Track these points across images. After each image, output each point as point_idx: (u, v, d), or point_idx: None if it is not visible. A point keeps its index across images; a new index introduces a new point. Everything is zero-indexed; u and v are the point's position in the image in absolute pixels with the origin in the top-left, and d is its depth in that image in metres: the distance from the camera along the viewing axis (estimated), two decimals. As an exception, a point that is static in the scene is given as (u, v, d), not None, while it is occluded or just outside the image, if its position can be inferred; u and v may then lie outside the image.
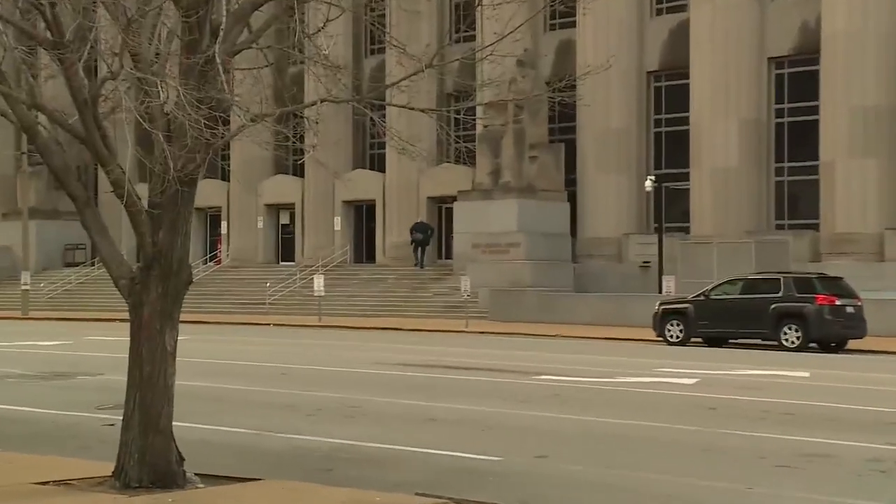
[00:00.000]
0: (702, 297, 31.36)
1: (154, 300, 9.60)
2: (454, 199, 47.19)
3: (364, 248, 53.85)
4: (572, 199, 46.65)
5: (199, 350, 25.58)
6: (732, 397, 17.89)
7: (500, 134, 45.55)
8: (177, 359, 9.81)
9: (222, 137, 9.28)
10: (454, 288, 43.49)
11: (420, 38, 40.76)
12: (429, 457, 12.20)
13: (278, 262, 55.42)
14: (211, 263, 56.23)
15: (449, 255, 49.26)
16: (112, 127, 10.45)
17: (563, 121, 47.04)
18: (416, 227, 48.95)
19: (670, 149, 46.70)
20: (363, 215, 53.83)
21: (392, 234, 51.10)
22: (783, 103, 44.22)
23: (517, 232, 44.62)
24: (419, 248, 48.81)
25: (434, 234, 49.63)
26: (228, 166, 52.80)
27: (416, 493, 9.92)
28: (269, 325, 41.54)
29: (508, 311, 41.64)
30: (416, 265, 48.65)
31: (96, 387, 18.88)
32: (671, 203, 44.99)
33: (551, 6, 13.87)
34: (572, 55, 46.25)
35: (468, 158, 46.01)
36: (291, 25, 10.19)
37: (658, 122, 47.25)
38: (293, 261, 54.11)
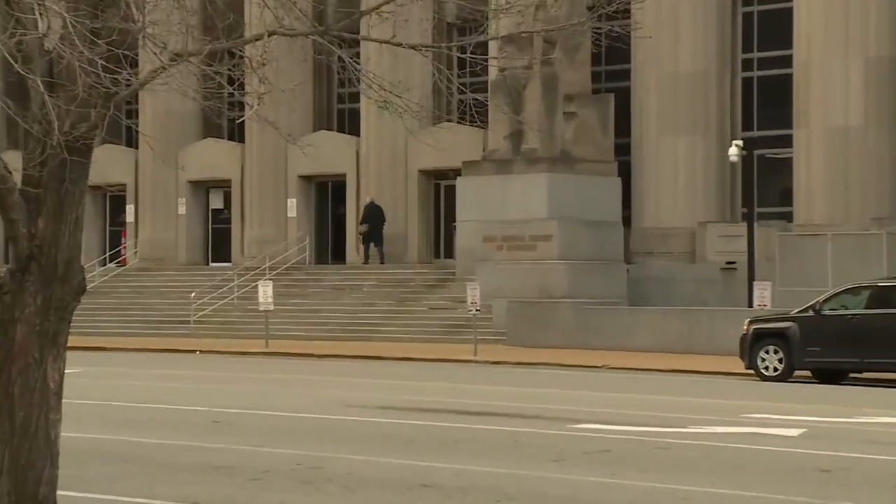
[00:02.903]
0: (811, 313, 31.35)
1: (30, 316, 9.59)
2: (458, 173, 47.18)
3: (330, 243, 53.83)
4: (626, 172, 46.66)
5: (95, 388, 25.55)
6: (854, 455, 17.90)
7: (523, 81, 45.53)
8: (64, 400, 9.79)
9: (128, 86, 9.27)
10: (457, 299, 43.45)
11: (409, -57, 40.70)
12: (422, 539, 12.24)
13: (208, 263, 55.41)
14: (112, 265, 56.21)
15: (450, 253, 49.26)
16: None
17: (612, 62, 47.04)
18: (368, 212, 49.73)
19: (766, 101, 46.69)
20: (329, 196, 53.80)
21: (370, 223, 51.13)
22: (926, 36, 44.24)
23: (547, 219, 44.61)
24: (368, 241, 49.74)
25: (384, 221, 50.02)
26: (137, 127, 52.77)
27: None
28: (195, 351, 41.57)
29: (535, 331, 41.64)
30: (364, 262, 49.95)
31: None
32: (767, 178, 44.95)
33: None
34: (626, -32, 46.27)
35: (478, 116, 45.87)
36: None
37: (748, 64, 47.23)
38: (229, 261, 54.08)
